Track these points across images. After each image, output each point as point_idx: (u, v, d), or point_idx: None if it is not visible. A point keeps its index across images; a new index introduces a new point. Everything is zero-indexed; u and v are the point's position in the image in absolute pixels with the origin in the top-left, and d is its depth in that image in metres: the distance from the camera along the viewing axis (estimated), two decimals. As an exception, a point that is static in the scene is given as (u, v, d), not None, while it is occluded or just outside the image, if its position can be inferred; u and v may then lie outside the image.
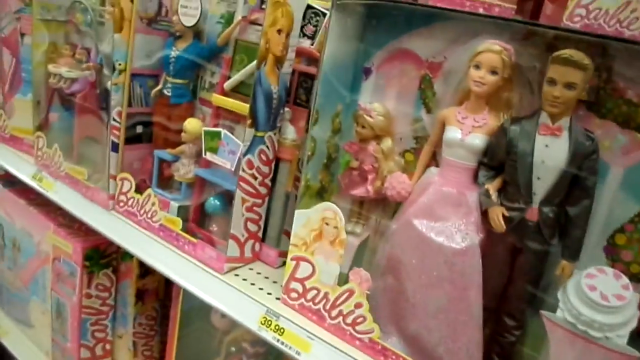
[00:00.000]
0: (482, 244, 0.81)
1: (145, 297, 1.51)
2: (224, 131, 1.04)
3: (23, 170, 1.52)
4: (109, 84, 1.20)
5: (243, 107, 1.05)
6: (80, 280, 1.44)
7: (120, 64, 1.18)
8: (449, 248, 0.81)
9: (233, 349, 1.35)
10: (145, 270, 1.46)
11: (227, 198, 1.14)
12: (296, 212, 0.96)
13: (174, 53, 1.16)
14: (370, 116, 0.91)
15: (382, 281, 0.92)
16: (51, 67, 1.39)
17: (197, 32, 1.17)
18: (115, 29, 1.15)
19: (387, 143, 0.93)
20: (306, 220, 0.94)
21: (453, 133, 0.82)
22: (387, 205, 0.96)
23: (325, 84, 0.91)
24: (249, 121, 0.99)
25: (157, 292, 1.53)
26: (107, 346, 1.55)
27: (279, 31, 0.96)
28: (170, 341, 1.37)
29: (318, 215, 0.92)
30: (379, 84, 0.96)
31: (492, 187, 0.79)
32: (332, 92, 0.94)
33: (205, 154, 1.08)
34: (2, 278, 1.80)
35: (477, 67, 0.79)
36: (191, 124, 1.14)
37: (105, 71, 1.28)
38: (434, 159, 0.90)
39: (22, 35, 1.48)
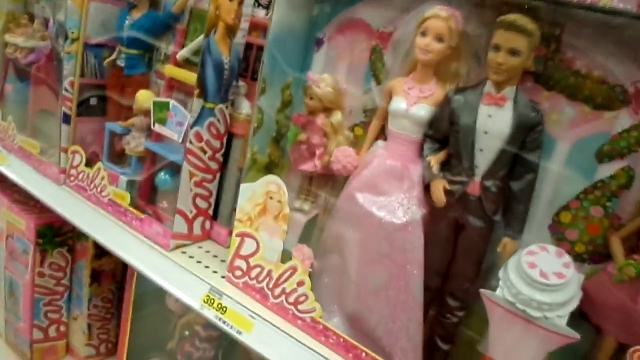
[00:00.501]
0: (424, 220, 0.78)
1: (102, 278, 1.46)
2: (172, 101, 1.00)
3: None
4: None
5: (190, 77, 1.01)
6: (33, 258, 1.39)
7: (73, 32, 1.13)
8: (390, 223, 0.78)
9: (187, 332, 1.31)
10: (102, 251, 1.41)
11: (179, 174, 1.10)
12: (241, 185, 0.92)
13: (128, 22, 1.12)
14: (319, 87, 0.88)
15: (326, 259, 0.88)
16: (8, 37, 1.34)
17: (153, 0, 1.13)
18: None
19: (336, 117, 0.90)
20: (251, 194, 0.91)
21: (398, 103, 0.79)
22: (336, 182, 0.93)
23: (271, 53, 0.88)
24: (196, 91, 0.95)
25: (114, 273, 1.48)
26: (62, 328, 1.50)
27: (230, -3, 0.93)
28: (123, 324, 1.33)
29: (262, 189, 0.89)
30: (331, 55, 0.92)
31: (435, 159, 0.76)
32: (280, 63, 0.90)
33: (153, 126, 1.04)
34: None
35: (424, 34, 0.76)
36: (142, 96, 1.10)
37: (60, 41, 1.24)
38: (383, 133, 0.87)
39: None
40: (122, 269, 1.47)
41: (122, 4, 1.19)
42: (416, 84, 0.79)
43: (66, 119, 1.19)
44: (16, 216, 1.43)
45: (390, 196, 0.79)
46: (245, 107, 1.05)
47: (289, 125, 0.97)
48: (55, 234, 1.43)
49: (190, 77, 1.04)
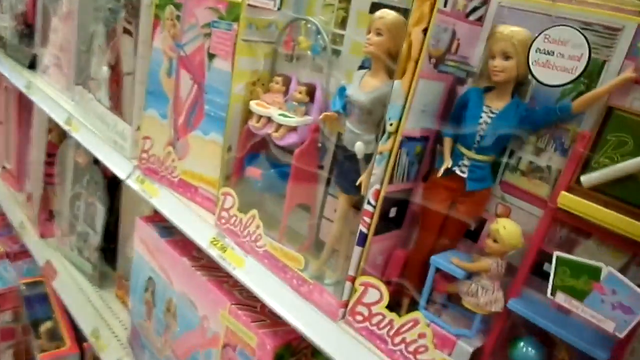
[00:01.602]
0: None
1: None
2: (608, 269, 0.62)
3: (196, 228, 1.18)
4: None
5: (620, 222, 0.63)
6: (266, 384, 1.08)
7: (391, 124, 0.78)
8: None
9: None
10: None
11: (548, 346, 0.73)
12: None
13: (485, 116, 0.75)
14: None
15: None
16: (254, 105, 1.02)
17: (518, 84, 0.75)
18: (398, 72, 0.76)
19: None
20: None
21: None
22: None
23: None
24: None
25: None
26: None
27: None
28: None
29: None
30: None
31: None
32: None
33: (553, 294, 0.67)
34: (147, 340, 1.50)
35: None
36: (508, 230, 0.73)
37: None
38: None
39: (211, 56, 1.12)
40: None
41: (450, 79, 0.83)
42: None
43: (362, 239, 0.84)
44: (244, 327, 1.12)
45: None
46: None
47: None
48: (292, 353, 1.11)
49: (609, 217, 0.65)
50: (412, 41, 0.74)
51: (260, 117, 1.03)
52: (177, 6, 1.19)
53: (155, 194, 1.31)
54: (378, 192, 0.82)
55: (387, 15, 0.81)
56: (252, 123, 1.03)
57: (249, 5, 1.00)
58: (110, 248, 1.95)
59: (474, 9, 0.80)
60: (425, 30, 0.74)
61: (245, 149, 1.08)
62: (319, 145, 0.99)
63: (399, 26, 0.81)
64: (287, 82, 1.03)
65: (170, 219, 1.24)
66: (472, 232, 0.85)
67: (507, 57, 0.72)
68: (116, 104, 1.48)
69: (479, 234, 0.84)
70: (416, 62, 0.76)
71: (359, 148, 0.86)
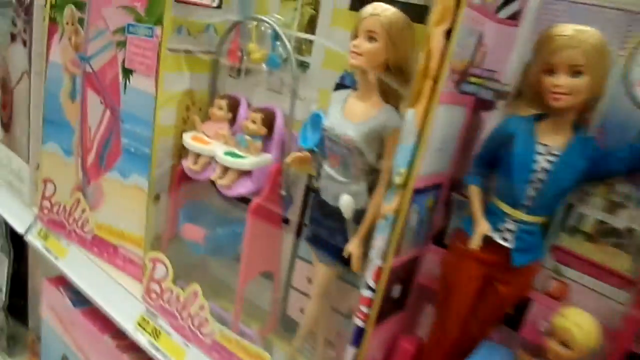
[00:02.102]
0: None
1: None
2: None
3: (118, 303, 0.88)
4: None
5: None
6: None
7: (400, 173, 0.52)
8: None
9: None
10: None
11: None
12: None
13: (544, 159, 0.50)
14: None
15: None
16: (190, 140, 0.74)
17: (584, 113, 0.51)
18: (412, 95, 0.50)
19: None
20: None
21: None
22: None
23: None
24: None
25: None
26: None
27: None
28: None
29: None
30: None
31: None
32: None
33: None
34: None
35: None
36: (586, 331, 0.49)
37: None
38: None
39: (127, 72, 0.82)
40: None
41: (470, 102, 0.58)
42: None
43: (357, 336, 0.58)
44: None
45: None
46: None
47: None
48: None
49: None
50: (431, 49, 0.48)
51: (198, 155, 0.74)
52: (79, 5, 0.89)
53: (63, 254, 0.99)
54: (380, 270, 0.56)
55: (383, 11, 0.55)
56: (188, 164, 0.75)
57: (176, 1, 0.72)
58: (19, 304, 1.58)
59: (506, 2, 0.56)
60: (449, 33, 0.48)
61: (178, 198, 0.79)
62: (283, 193, 0.72)
63: (402, 27, 0.55)
64: (233, 106, 0.75)
65: (83, 289, 0.93)
66: (510, 315, 0.60)
67: (576, 72, 0.47)
68: (8, 135, 1.15)
69: (520, 318, 0.60)
70: (435, 80, 0.50)
71: (346, 204, 0.60)
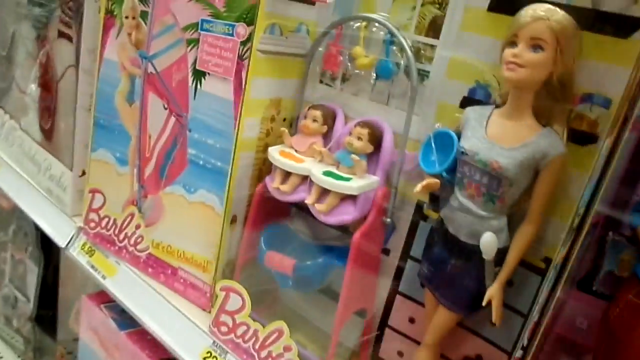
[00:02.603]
0: None
1: None
2: None
3: (178, 332, 0.78)
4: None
5: None
6: None
7: (579, 214, 0.42)
8: None
9: None
10: None
11: None
12: None
13: None
14: None
15: None
16: (278, 155, 0.64)
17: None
18: (611, 126, 0.40)
19: None
20: None
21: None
22: None
23: None
24: None
25: None
26: None
27: None
28: None
29: None
30: None
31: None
32: None
33: None
34: None
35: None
36: None
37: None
38: None
39: (199, 74, 0.72)
40: None
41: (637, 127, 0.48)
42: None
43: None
44: None
45: None
46: None
47: None
48: None
49: None
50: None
51: (287, 174, 0.64)
52: (143, -2, 0.79)
53: (111, 273, 0.90)
54: (537, 326, 0.46)
55: (552, 14, 0.45)
56: (275, 184, 0.65)
57: (268, -5, 0.62)
58: (48, 315, 1.49)
59: None
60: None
61: (259, 220, 0.69)
62: (387, 221, 0.62)
63: (572, 35, 0.46)
64: (328, 118, 0.65)
65: (136, 313, 0.84)
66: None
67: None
68: (49, 137, 1.05)
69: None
70: (635, 100, 0.40)
71: (488, 244, 0.50)
